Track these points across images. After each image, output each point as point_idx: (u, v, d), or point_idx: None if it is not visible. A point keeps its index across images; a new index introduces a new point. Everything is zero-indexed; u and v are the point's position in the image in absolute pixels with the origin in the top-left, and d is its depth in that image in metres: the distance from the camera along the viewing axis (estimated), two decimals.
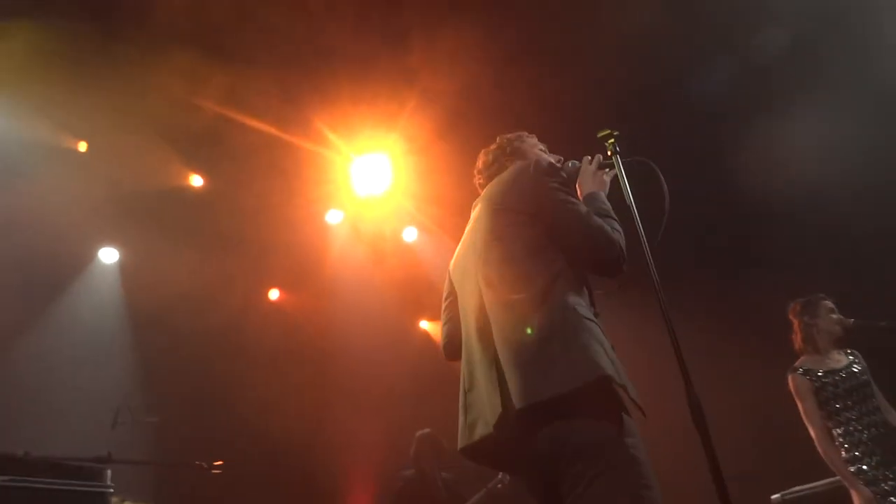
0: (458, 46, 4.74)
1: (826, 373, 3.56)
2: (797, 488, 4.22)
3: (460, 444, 1.90)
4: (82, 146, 5.16)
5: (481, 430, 1.82)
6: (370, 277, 6.39)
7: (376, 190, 5.90)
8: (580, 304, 1.86)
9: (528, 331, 1.77)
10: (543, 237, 1.93)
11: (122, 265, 6.01)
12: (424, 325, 7.31)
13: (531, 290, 1.84)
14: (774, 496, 4.11)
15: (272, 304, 6.42)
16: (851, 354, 3.67)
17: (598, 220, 1.98)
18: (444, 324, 2.20)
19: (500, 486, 5.20)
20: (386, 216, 6.19)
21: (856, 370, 3.56)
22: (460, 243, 2.22)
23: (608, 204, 2.10)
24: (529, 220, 1.96)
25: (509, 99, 5.02)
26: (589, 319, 1.83)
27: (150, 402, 5.08)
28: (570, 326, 1.77)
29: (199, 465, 3.92)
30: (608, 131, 2.23)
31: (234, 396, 5.72)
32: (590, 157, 2.25)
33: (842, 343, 3.70)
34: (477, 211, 2.17)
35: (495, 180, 2.17)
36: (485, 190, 2.20)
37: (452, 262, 2.24)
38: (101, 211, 5.35)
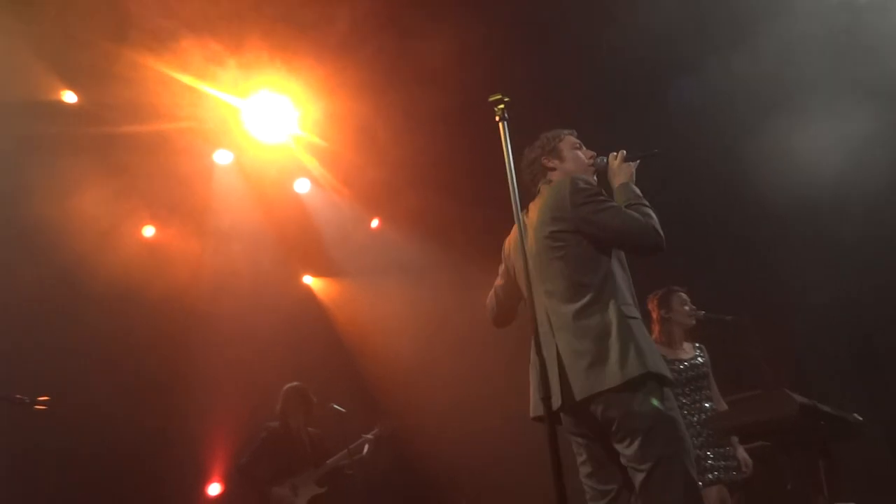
0: None
1: (673, 361, 3.87)
2: None
3: (531, 413, 2.43)
4: None
5: (542, 410, 2.19)
6: (255, 225, 6.13)
7: (273, 135, 5.64)
8: (625, 302, 2.33)
9: (584, 335, 2.25)
10: (589, 247, 2.37)
11: None
12: (308, 280, 7.16)
13: (582, 300, 2.30)
14: None
15: (145, 241, 6.00)
16: (699, 348, 4.05)
17: (630, 212, 2.39)
18: (492, 296, 2.71)
19: (366, 446, 5.28)
20: (279, 163, 5.93)
21: (698, 363, 3.94)
22: (516, 232, 2.44)
23: (637, 191, 2.51)
24: (573, 237, 2.38)
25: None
26: (632, 317, 2.30)
27: None
28: (617, 329, 2.24)
29: (20, 399, 3.56)
30: (499, 96, 2.26)
31: (89, 335, 5.33)
32: (615, 154, 2.61)
33: (693, 334, 4.06)
34: (532, 220, 2.55)
35: (539, 205, 2.53)
36: (533, 214, 2.56)
37: (507, 243, 2.70)
38: None
